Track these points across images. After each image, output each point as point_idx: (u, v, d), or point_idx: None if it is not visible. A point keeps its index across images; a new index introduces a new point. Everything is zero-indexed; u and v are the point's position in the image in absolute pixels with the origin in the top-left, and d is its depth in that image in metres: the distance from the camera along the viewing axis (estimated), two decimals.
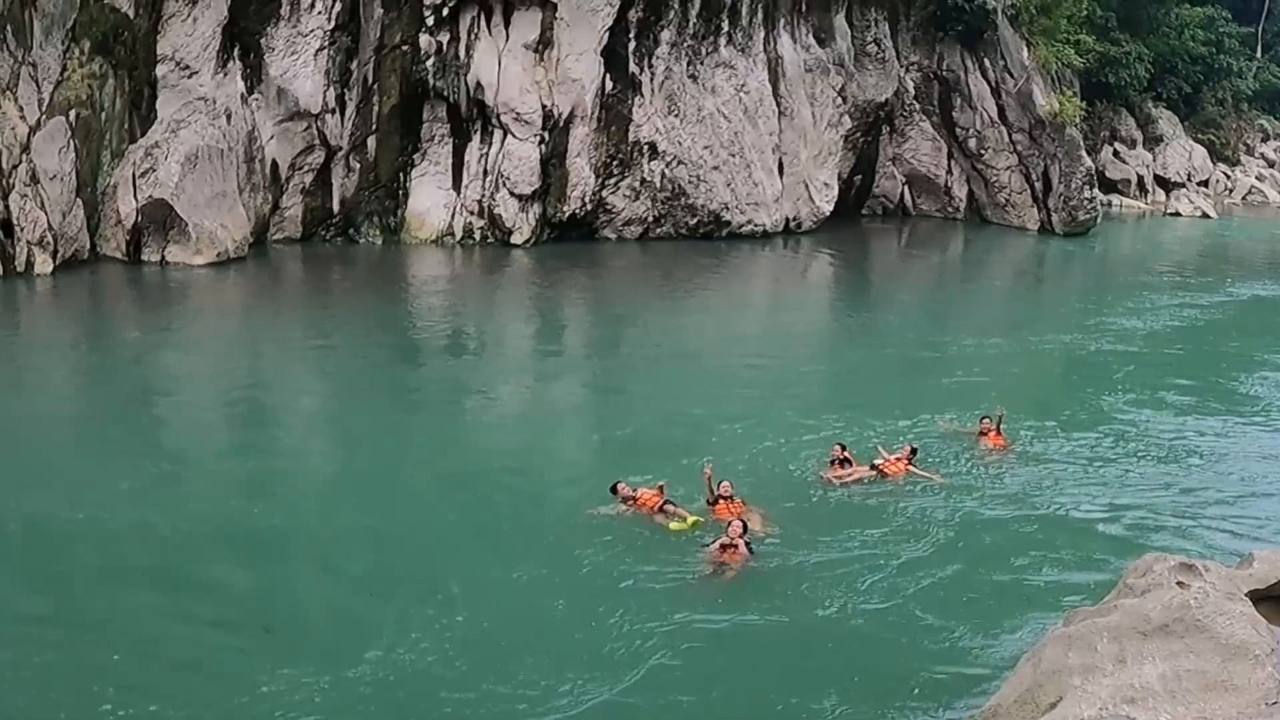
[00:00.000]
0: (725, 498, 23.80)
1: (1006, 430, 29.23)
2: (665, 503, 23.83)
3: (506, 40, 55.50)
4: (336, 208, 55.45)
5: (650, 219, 59.04)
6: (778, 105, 62.07)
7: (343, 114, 54.47)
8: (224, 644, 19.26)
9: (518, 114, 55.27)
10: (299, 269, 52.11)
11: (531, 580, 21.42)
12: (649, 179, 58.21)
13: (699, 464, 25.41)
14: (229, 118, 50.93)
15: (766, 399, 33.37)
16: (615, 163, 57.66)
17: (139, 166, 48.91)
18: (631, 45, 57.24)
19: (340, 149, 54.59)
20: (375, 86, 54.86)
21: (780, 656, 19.25)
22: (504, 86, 55.21)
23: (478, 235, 56.29)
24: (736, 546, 21.98)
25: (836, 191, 65.75)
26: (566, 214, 56.95)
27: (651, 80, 57.82)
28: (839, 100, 65.21)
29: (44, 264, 46.04)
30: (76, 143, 47.91)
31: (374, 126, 55.18)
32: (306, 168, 54.26)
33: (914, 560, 22.70)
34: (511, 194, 55.67)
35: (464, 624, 19.72)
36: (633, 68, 57.47)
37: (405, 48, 54.60)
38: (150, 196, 48.57)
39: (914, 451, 27.07)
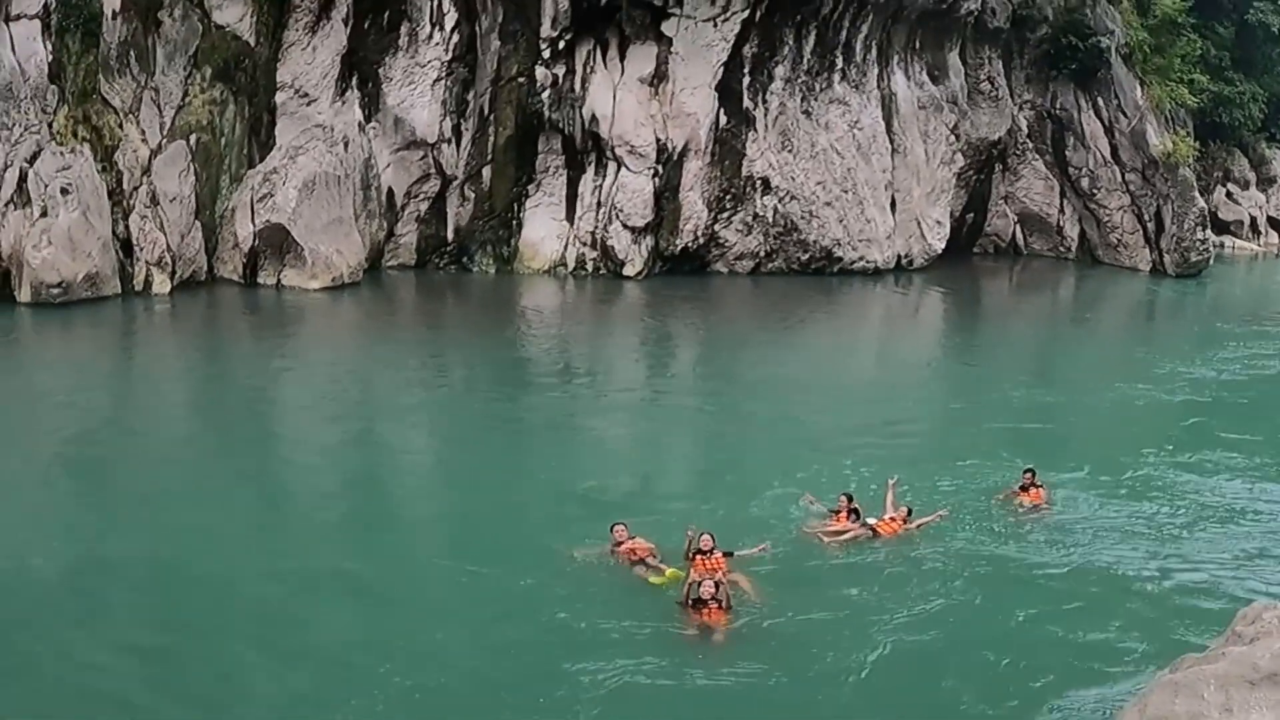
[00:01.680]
0: (703, 552, 21.55)
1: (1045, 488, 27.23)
2: (647, 555, 22.23)
3: (622, 74, 54.27)
4: (451, 236, 54.68)
5: (762, 254, 57.31)
6: (891, 142, 60.12)
7: (458, 144, 53.71)
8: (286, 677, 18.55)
9: (632, 147, 54.06)
10: (412, 295, 51.40)
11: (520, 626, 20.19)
12: (761, 214, 56.55)
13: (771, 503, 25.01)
14: (346, 145, 50.38)
15: (846, 441, 31.44)
16: (728, 197, 56.17)
17: (257, 191, 48.78)
18: (746, 80, 55.73)
19: (455, 178, 53.80)
20: (491, 117, 53.96)
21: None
22: (619, 119, 54.01)
23: (590, 266, 55.17)
24: (708, 606, 20.09)
25: (948, 229, 63.56)
26: (679, 247, 55.61)
27: (765, 115, 56.23)
28: (952, 138, 63.13)
29: (162, 284, 46.33)
30: (196, 166, 47.88)
31: (489, 156, 54.25)
32: (422, 196, 53.65)
33: (924, 620, 21.05)
34: (624, 226, 54.46)
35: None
36: (747, 102, 55.95)
37: (521, 79, 53.60)
38: (268, 221, 48.41)
39: (910, 512, 24.97)
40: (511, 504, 26.38)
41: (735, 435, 32.78)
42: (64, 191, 43.66)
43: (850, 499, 24.85)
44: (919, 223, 61.50)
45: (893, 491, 25.37)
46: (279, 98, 49.99)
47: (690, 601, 20.32)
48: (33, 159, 44.08)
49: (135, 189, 46.39)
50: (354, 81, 51.26)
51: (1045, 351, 48.15)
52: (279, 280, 48.82)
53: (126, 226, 46.02)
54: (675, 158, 54.65)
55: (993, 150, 66.14)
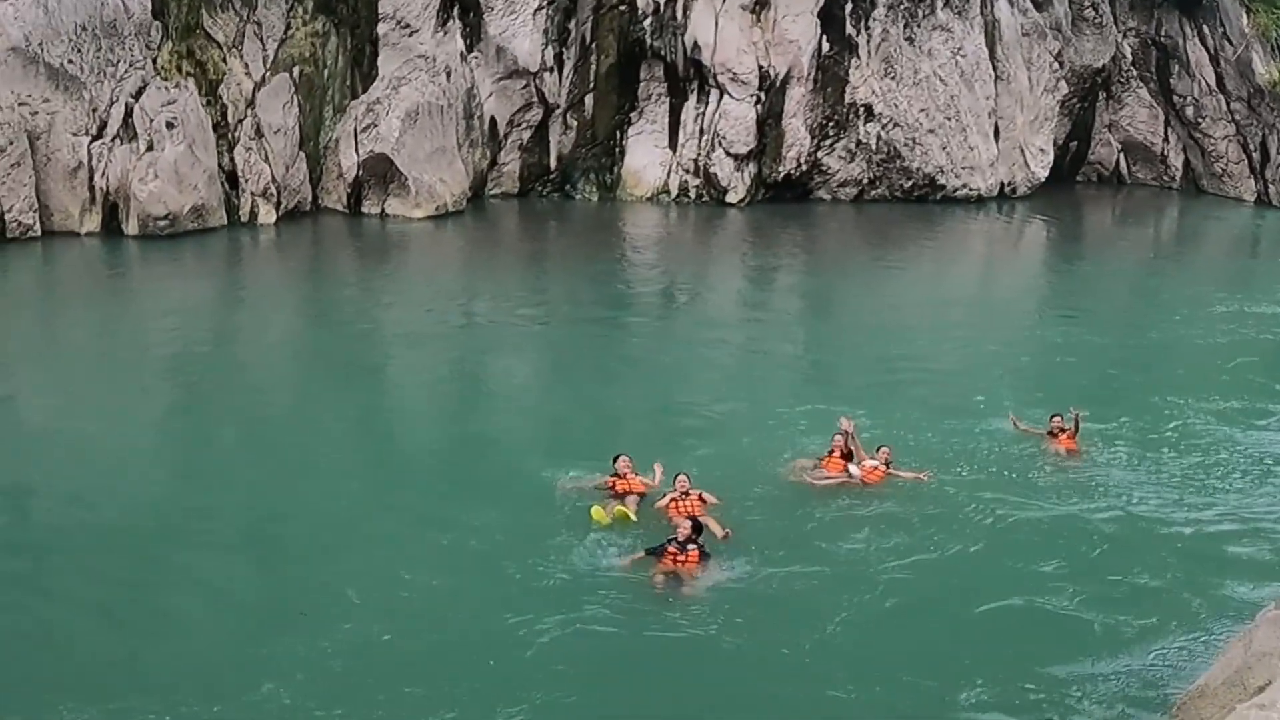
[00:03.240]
0: (680, 493, 19.66)
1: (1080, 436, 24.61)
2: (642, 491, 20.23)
3: (723, 1, 52.35)
4: (553, 164, 53.45)
5: (865, 181, 55.39)
6: (994, 69, 57.57)
7: (560, 72, 52.30)
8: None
9: (734, 74, 52.35)
10: (515, 224, 50.29)
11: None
12: (864, 141, 54.56)
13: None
14: (449, 75, 49.05)
15: (932, 374, 29.98)
16: (831, 124, 54.24)
17: (360, 122, 47.84)
18: (848, 7, 53.69)
19: (558, 107, 52.49)
20: (593, 45, 52.44)
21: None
22: (721, 47, 52.25)
23: (693, 194, 53.76)
24: (687, 552, 17.96)
25: (1052, 157, 60.88)
26: (781, 174, 53.76)
27: (868, 42, 54.11)
28: (1055, 65, 60.47)
29: (267, 214, 45.68)
30: (299, 98, 47.00)
31: (591, 85, 52.86)
32: (524, 125, 52.44)
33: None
34: (727, 153, 52.91)
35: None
36: (849, 29, 53.84)
37: (622, 7, 51.99)
38: (371, 151, 47.55)
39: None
40: (564, 434, 25.29)
41: (812, 370, 31.41)
42: (169, 125, 43.08)
43: (848, 438, 22.65)
44: (1022, 150, 59.06)
45: (850, 436, 22.85)
46: (381, 29, 48.56)
47: (664, 545, 18.26)
48: (138, 94, 43.49)
49: (239, 122, 45.68)
50: (455, 12, 49.74)
51: (1143, 287, 45.25)
52: (383, 210, 48.14)
53: (231, 159, 45.42)
54: (778, 85, 52.90)
55: (1096, 78, 63.39)
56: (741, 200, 53.18)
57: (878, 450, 22.62)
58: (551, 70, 51.97)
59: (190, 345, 31.76)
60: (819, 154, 54.49)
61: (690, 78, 53.13)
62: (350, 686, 15.51)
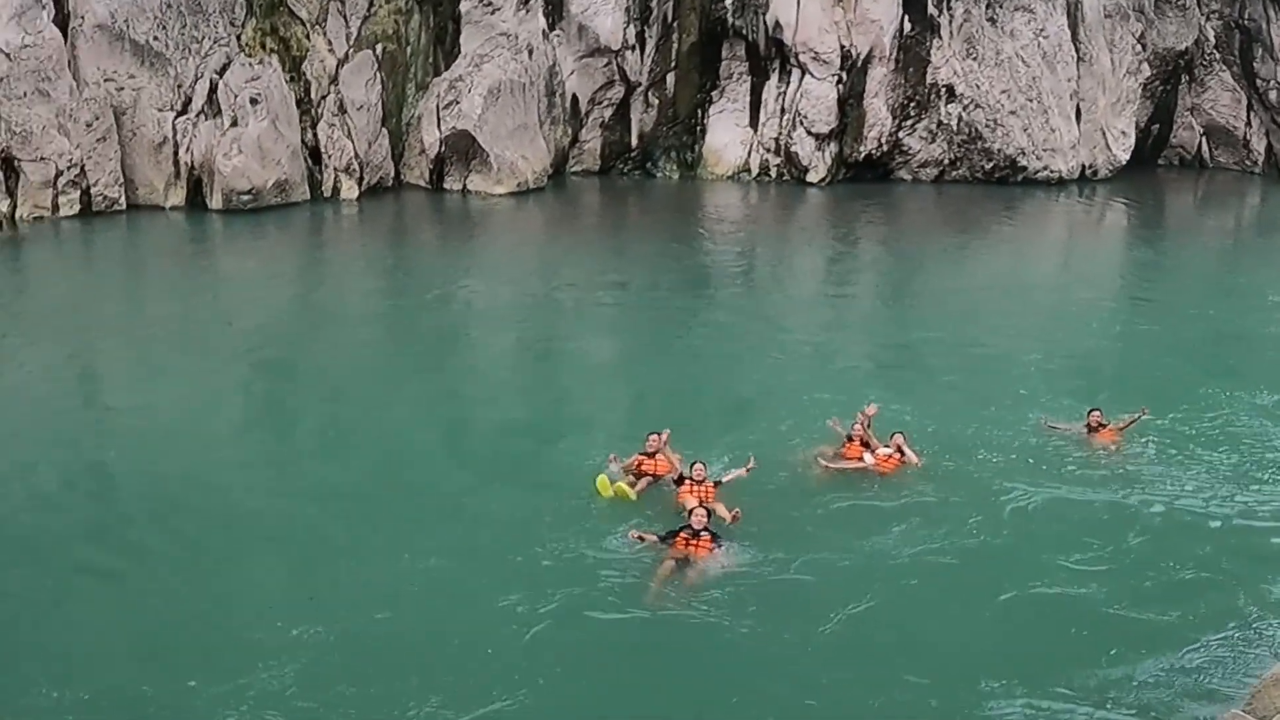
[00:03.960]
0: (696, 481, 18.78)
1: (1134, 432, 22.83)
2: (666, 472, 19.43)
3: None
4: (634, 142, 53.12)
5: (946, 161, 54.40)
6: (1076, 51, 56.29)
7: (642, 50, 51.89)
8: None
9: (816, 53, 51.64)
10: (596, 201, 49.90)
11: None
12: (945, 121, 53.57)
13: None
14: (530, 53, 48.62)
15: (988, 361, 28.47)
16: (912, 104, 53.36)
17: (443, 99, 47.57)
18: None
19: (639, 85, 52.11)
20: (675, 24, 52.04)
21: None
22: (802, 26, 51.53)
23: (773, 173, 53.18)
24: (699, 538, 17.17)
25: (1133, 140, 59.54)
26: (862, 154, 53.06)
27: (950, 23, 53.12)
28: (1138, 47, 59.16)
29: (350, 190, 45.67)
30: (382, 75, 46.85)
31: (673, 63, 52.44)
32: (606, 103, 52.11)
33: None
34: (808, 133, 52.22)
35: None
36: (931, 9, 52.97)
37: None
38: (453, 127, 47.28)
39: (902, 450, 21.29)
40: (613, 412, 24.63)
41: (872, 355, 30.20)
42: (253, 101, 42.98)
43: (867, 424, 21.55)
44: (1104, 133, 57.80)
45: (869, 422, 21.78)
46: (463, 6, 48.24)
47: (677, 532, 17.45)
48: (222, 70, 43.46)
49: (323, 98, 45.48)
50: None
51: (1221, 275, 42.89)
52: (464, 186, 47.97)
53: (315, 135, 45.30)
54: (859, 64, 52.23)
55: (1179, 61, 61.98)
56: (822, 180, 52.45)
57: (891, 437, 21.36)
58: (633, 48, 51.47)
59: (269, 318, 31.46)
60: (900, 134, 53.64)
61: (771, 57, 52.44)
62: (344, 670, 14.79)
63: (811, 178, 52.39)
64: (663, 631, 15.95)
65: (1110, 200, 55.14)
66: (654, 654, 15.55)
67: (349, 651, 15.15)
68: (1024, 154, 54.45)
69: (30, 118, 39.95)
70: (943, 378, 27.03)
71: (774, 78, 52.75)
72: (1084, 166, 56.77)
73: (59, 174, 40.35)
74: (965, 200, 51.52)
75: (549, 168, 49.73)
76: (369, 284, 36.20)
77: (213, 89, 43.06)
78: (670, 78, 52.50)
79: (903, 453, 21.11)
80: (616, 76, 51.52)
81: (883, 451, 21.12)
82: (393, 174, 47.61)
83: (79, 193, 40.88)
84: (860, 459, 21.01)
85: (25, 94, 40.04)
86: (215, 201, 42.38)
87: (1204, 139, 64.23)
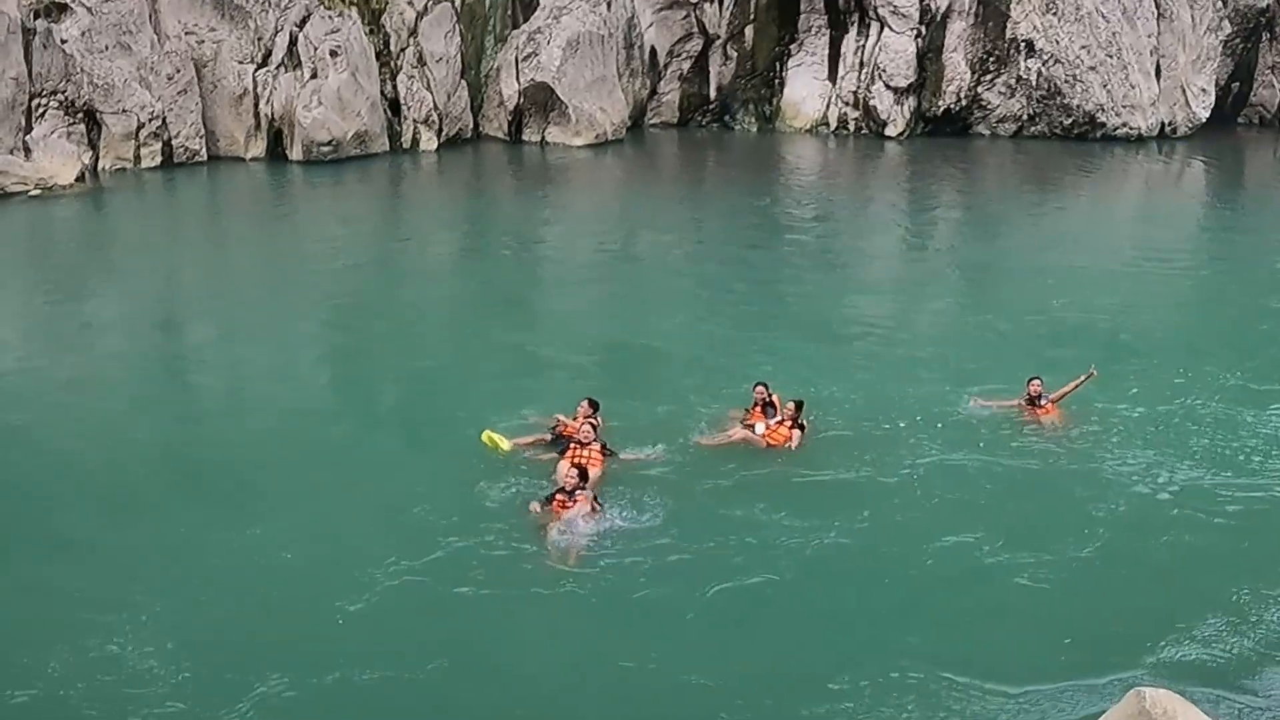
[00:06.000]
0: (581, 443, 17.10)
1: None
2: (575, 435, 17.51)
3: None
4: (713, 94, 52.15)
5: (1024, 117, 52.58)
6: (1156, 7, 54.22)
7: (721, 3, 50.96)
8: None
9: (895, 7, 50.18)
10: (674, 153, 48.67)
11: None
12: (1025, 77, 51.68)
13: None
14: (609, 5, 47.58)
15: (1068, 330, 25.09)
16: (991, 59, 51.59)
17: (522, 51, 46.52)
18: None
19: (718, 37, 51.03)
20: None
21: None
22: None
23: (851, 126, 51.88)
24: (574, 498, 15.66)
25: (1213, 98, 57.45)
26: (941, 109, 51.55)
27: None
28: (1219, 4, 56.93)
29: (429, 141, 44.91)
30: (461, 28, 45.91)
31: (752, 16, 51.27)
32: (684, 55, 51.15)
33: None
34: (887, 86, 50.82)
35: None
36: None
37: None
38: (532, 80, 46.33)
39: (799, 407, 18.40)
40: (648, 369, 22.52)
41: (933, 317, 27.47)
42: (333, 54, 42.04)
43: (768, 390, 19.06)
44: (1184, 90, 55.72)
45: (760, 393, 19.12)
46: None
47: (553, 495, 15.94)
48: (302, 23, 42.54)
49: (402, 50, 44.47)
50: None
51: None
52: (543, 137, 47.15)
53: (394, 86, 44.43)
54: (939, 19, 50.78)
55: (1261, 18, 59.72)
56: (900, 134, 51.15)
57: (784, 406, 18.71)
58: (712, 1, 50.43)
59: (346, 268, 30.01)
60: (979, 89, 52.04)
61: (850, 10, 51.14)
62: (186, 633, 13.12)
63: (890, 132, 51.14)
64: (527, 595, 14.30)
65: (1189, 158, 52.98)
66: (508, 616, 13.87)
67: (191, 617, 13.57)
68: (1103, 110, 52.49)
69: (112, 70, 39.12)
70: (938, 346, 24.37)
71: (853, 31, 51.51)
72: (1163, 124, 54.75)
73: (141, 126, 39.56)
74: (1044, 156, 49.49)
75: (627, 120, 48.78)
76: (443, 234, 35.05)
77: (293, 41, 42.09)
78: (749, 30, 51.34)
79: (796, 422, 18.40)
80: (695, 29, 50.54)
81: (772, 421, 18.51)
82: (471, 126, 46.76)
83: (160, 144, 40.11)
84: (750, 428, 18.48)
85: (107, 47, 39.25)
86: (295, 153, 41.62)
87: None
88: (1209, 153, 53.34)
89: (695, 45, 50.77)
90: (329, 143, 41.43)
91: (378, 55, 43.68)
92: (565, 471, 16.27)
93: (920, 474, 17.50)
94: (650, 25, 49.78)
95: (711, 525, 15.77)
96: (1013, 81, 51.92)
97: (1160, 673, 12.63)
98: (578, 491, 15.87)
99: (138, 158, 39.67)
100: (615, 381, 21.17)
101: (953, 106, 51.63)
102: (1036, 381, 19.40)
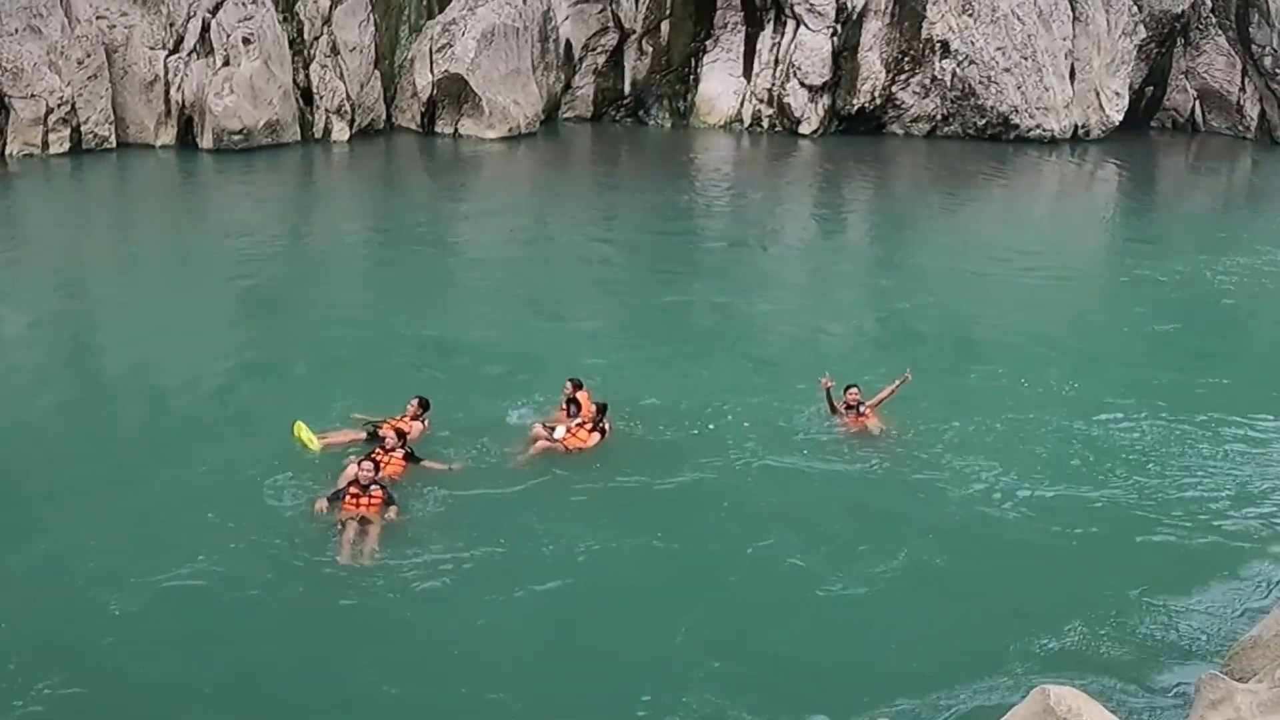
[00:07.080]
0: (385, 449, 16.78)
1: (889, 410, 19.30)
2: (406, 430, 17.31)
3: None
4: (628, 89, 51.86)
5: (938, 117, 52.60)
6: (1072, 10, 54.37)
7: None
8: None
9: (811, 5, 50.08)
10: (588, 146, 48.36)
11: None
12: (939, 77, 51.67)
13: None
14: None
15: (988, 327, 25.69)
16: (907, 59, 51.55)
17: (436, 42, 46.07)
18: None
19: (634, 32, 50.72)
20: None
21: None
22: None
23: (766, 123, 51.71)
24: (364, 497, 15.42)
25: (1127, 102, 57.63)
26: (855, 107, 51.41)
27: None
28: (1134, 8, 57.15)
29: (341, 131, 44.29)
30: (376, 17, 45.34)
31: (668, 11, 51.05)
32: (600, 49, 50.77)
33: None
34: (801, 84, 50.69)
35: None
36: None
37: None
38: (446, 71, 45.86)
39: (601, 410, 17.99)
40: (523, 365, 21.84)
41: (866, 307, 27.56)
42: (246, 41, 41.43)
43: (574, 386, 18.63)
44: (1097, 93, 55.90)
45: (567, 392, 18.78)
46: None
47: (345, 490, 15.63)
48: (215, 9, 41.75)
49: (316, 39, 43.98)
50: None
51: (1208, 240, 38.48)
52: (456, 129, 46.70)
53: (307, 75, 43.80)
54: (855, 17, 50.67)
55: (1175, 23, 60.01)
56: (814, 131, 51.01)
57: (590, 406, 18.27)
58: None
59: (255, 257, 29.46)
60: (893, 88, 51.98)
61: (767, 7, 50.97)
62: None
63: (804, 129, 51.04)
64: (316, 594, 14.00)
65: (1101, 161, 53.21)
66: (304, 619, 13.59)
67: None
68: (1017, 112, 52.60)
69: (21, 54, 38.30)
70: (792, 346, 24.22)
71: (769, 28, 51.37)
72: (1076, 126, 54.99)
73: (49, 111, 38.72)
74: (957, 156, 49.54)
75: (541, 113, 48.49)
76: (345, 225, 34.45)
77: (205, 28, 41.32)
78: (665, 25, 51.13)
79: (596, 426, 17.94)
80: (611, 23, 50.27)
81: (574, 424, 17.95)
82: (384, 116, 46.24)
83: (69, 130, 39.25)
84: (550, 435, 17.87)
85: (16, 30, 38.39)
86: (206, 141, 40.88)
87: (1197, 102, 62.33)
88: (1120, 156, 53.53)
89: (611, 40, 50.41)
90: (240, 131, 40.75)
91: (291, 43, 43.05)
92: (351, 474, 15.83)
93: (732, 480, 17.21)
94: (566, 19, 49.43)
95: (506, 531, 15.41)
96: (927, 81, 51.90)
97: (1035, 672, 12.65)
98: (373, 488, 15.54)
99: (45, 144, 38.80)
100: (462, 379, 20.87)
101: (867, 105, 51.48)
102: (854, 390, 19.06)
